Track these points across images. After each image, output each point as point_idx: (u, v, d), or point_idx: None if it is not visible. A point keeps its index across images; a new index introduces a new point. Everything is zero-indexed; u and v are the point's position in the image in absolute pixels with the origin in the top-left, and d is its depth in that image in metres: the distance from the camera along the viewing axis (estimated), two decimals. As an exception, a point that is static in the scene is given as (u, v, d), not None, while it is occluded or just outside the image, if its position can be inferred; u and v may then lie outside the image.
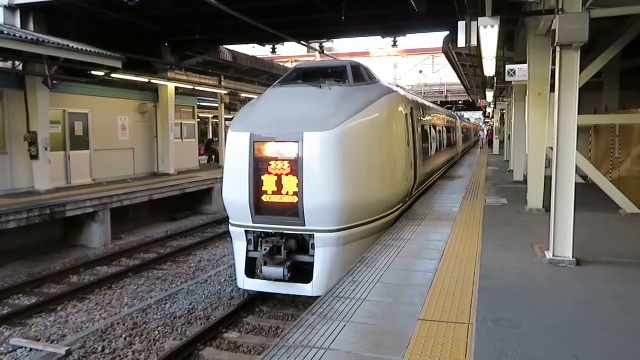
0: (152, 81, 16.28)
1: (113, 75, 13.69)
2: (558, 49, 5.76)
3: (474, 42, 7.50)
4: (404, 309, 4.46)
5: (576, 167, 5.91)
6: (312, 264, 6.90)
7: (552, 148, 6.21)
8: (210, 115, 31.96)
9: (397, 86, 12.98)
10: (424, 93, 38.29)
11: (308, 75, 8.40)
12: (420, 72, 42.68)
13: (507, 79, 10.59)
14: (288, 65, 30.54)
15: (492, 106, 31.37)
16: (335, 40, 29.28)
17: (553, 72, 7.34)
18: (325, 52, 19.66)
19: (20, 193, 12.05)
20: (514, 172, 14.96)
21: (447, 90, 42.42)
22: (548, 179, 6.68)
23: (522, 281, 5.20)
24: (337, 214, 6.77)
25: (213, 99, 23.95)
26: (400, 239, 7.09)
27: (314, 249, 6.88)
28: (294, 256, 6.95)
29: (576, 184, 5.85)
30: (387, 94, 8.40)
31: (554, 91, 6.06)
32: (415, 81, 42.91)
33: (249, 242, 7.19)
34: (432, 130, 13.58)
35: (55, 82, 12.16)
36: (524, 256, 6.16)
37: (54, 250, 11.19)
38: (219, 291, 8.42)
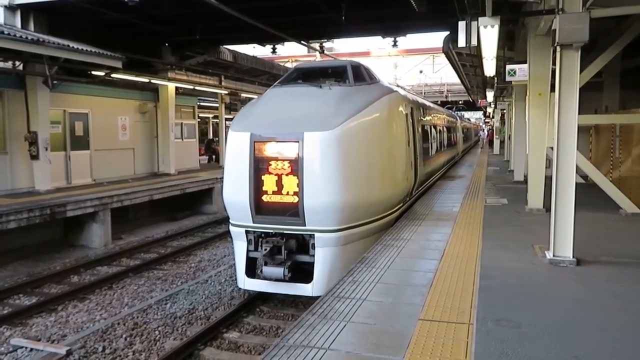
0: (152, 81, 16.28)
1: (113, 75, 13.69)
2: (558, 48, 5.76)
3: (474, 42, 7.50)
4: (404, 308, 4.46)
5: (576, 167, 5.91)
6: (312, 264, 6.90)
7: (552, 148, 6.21)
8: (211, 115, 31.95)
9: (397, 86, 12.98)
10: (424, 93, 38.26)
11: (308, 75, 8.39)
12: (421, 72, 42.71)
13: (507, 78, 10.61)
14: (288, 65, 30.53)
15: (493, 106, 31.35)
16: (336, 40, 29.26)
17: (553, 71, 7.34)
18: (326, 52, 19.66)
19: (20, 193, 12.05)
20: (514, 172, 14.94)
21: (447, 90, 42.39)
22: (548, 179, 6.68)
23: (522, 281, 5.20)
24: (337, 213, 6.77)
25: (213, 99, 23.94)
26: (401, 239, 7.09)
27: (314, 249, 6.88)
28: (294, 256, 6.95)
29: (576, 183, 5.85)
30: (387, 93, 8.39)
31: (554, 91, 6.06)
32: (415, 81, 42.92)
33: (249, 242, 7.18)
34: (433, 130, 13.58)
35: (55, 82, 12.17)
36: (524, 256, 6.16)
37: (54, 250, 11.19)
38: (219, 291, 8.43)
